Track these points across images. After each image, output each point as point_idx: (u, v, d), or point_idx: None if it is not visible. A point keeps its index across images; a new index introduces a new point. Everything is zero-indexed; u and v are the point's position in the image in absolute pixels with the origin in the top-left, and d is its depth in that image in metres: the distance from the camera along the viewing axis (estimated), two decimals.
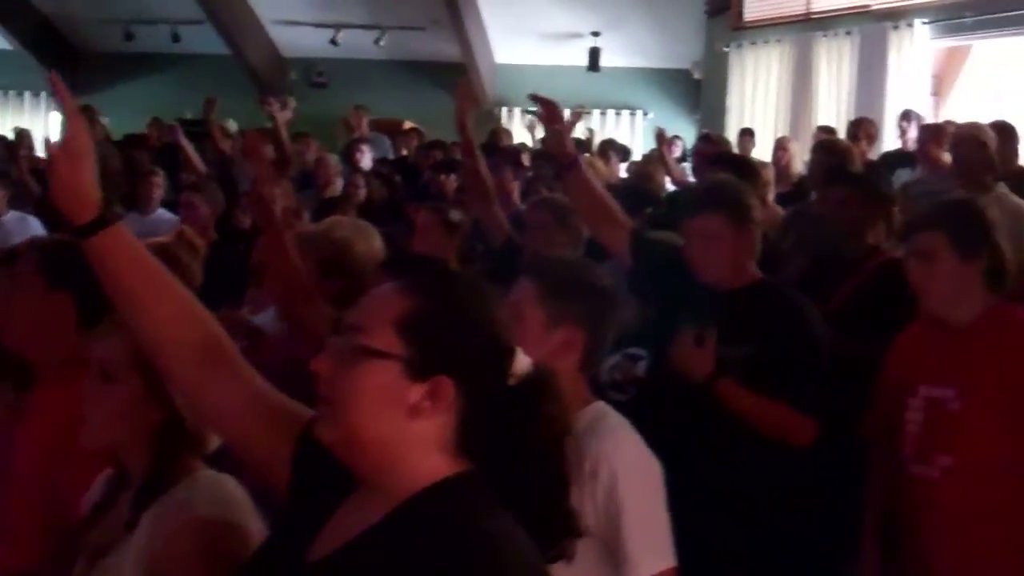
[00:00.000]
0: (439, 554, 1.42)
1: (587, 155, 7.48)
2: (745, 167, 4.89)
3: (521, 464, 1.52)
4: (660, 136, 8.33)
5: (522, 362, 1.56)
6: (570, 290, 2.32)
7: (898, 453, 2.92)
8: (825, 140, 7.38)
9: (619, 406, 2.54)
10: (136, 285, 1.78)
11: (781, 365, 3.06)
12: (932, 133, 6.73)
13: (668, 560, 2.23)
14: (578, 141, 9.20)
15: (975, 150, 5.27)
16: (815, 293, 4.25)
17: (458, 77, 5.03)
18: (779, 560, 3.14)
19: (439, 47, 14.19)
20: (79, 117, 1.79)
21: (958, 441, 2.80)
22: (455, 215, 4.51)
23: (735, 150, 9.73)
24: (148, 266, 1.81)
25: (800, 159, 7.91)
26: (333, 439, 1.53)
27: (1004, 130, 5.99)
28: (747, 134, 10.24)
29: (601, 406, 2.35)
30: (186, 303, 1.83)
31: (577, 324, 2.29)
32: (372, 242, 3.65)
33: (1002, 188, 5.21)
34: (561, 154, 3.52)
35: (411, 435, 1.50)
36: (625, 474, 2.19)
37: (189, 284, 3.62)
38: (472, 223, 4.75)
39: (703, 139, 7.71)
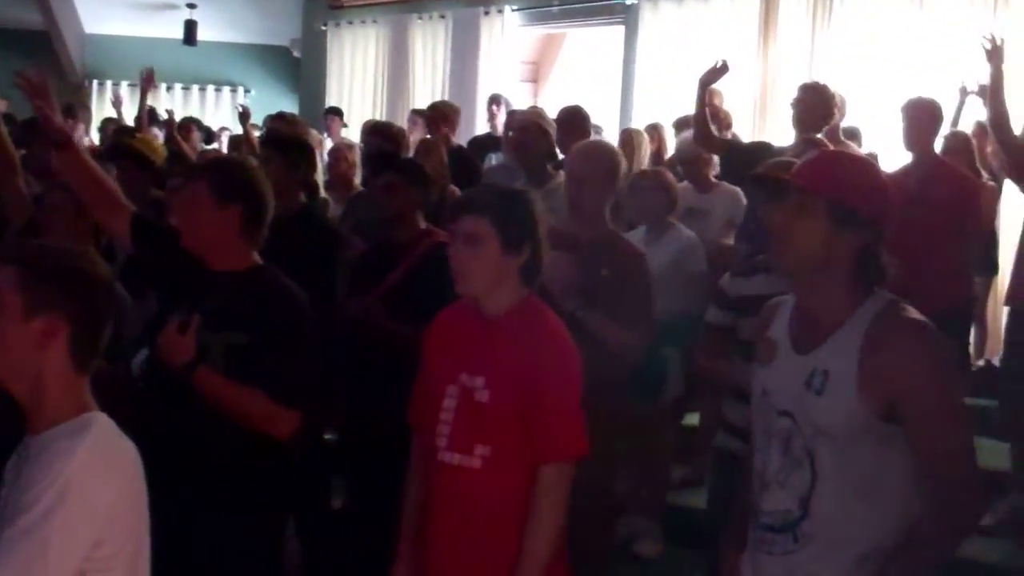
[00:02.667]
0: None
1: (140, 134, 7.13)
2: (288, 145, 4.74)
3: None
4: (244, 115, 8.09)
5: None
6: (49, 275, 2.12)
7: (431, 440, 2.91)
8: (377, 123, 7.44)
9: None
10: None
11: (266, 353, 2.99)
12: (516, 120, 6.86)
13: None
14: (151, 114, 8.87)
15: (536, 136, 5.42)
16: (371, 276, 4.29)
17: (42, 46, 4.63)
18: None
19: (20, 14, 13.19)
20: None
21: (488, 431, 2.82)
22: None
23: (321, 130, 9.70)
24: None
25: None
26: None
27: (571, 117, 6.12)
28: (333, 113, 10.19)
29: (89, 419, 2.11)
30: None
31: (58, 311, 2.10)
32: None
33: (561, 177, 5.34)
34: (51, 131, 3.27)
35: None
36: (48, 487, 1.94)
37: None
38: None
39: (276, 118, 7.46)
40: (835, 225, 2.36)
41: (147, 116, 8.04)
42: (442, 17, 11.57)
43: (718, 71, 5.84)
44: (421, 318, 3.83)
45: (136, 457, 2.13)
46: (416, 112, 9.58)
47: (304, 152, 4.69)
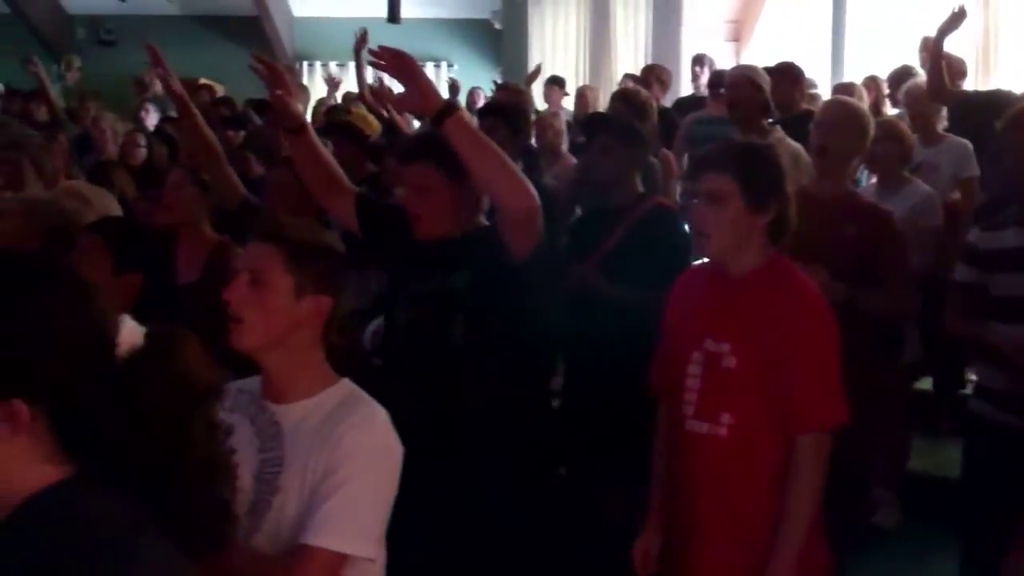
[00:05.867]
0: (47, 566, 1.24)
1: (356, 110, 7.24)
2: (513, 115, 4.74)
3: (144, 446, 1.35)
4: (453, 87, 8.15)
5: (130, 336, 1.39)
6: (317, 255, 2.19)
7: (677, 409, 2.81)
8: (624, 89, 7.33)
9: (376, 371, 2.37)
10: None
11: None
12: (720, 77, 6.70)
13: (352, 546, 2.02)
14: (372, 90, 8.99)
15: (749, 92, 5.24)
16: (588, 241, 4.21)
17: (253, 31, 4.73)
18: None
19: (232, 1, 13.66)
20: None
21: (735, 399, 2.70)
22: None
23: (539, 99, 9.67)
24: None
25: (602, 106, 7.85)
26: None
27: (786, 72, 5.96)
28: (555, 83, 10.09)
29: (349, 386, 2.20)
30: None
31: (326, 291, 2.18)
32: (108, 210, 3.43)
33: (779, 132, 5.20)
34: (287, 119, 3.30)
35: (2, 455, 1.32)
36: (356, 457, 2.04)
37: None
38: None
39: (500, 88, 7.56)
40: None
41: (364, 86, 8.14)
42: None
43: (957, 18, 5.54)
44: (641, 282, 3.75)
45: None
46: (628, 77, 9.47)
47: (527, 120, 4.68)
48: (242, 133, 7.89)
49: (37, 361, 1.31)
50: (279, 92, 3.20)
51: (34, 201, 3.38)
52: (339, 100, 10.13)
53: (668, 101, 8.47)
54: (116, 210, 3.47)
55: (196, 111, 4.09)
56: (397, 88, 3.09)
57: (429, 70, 14.59)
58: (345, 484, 2.01)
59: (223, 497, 1.45)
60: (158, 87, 10.78)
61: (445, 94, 9.82)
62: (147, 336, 1.41)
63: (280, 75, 3.26)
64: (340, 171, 3.39)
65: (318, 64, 14.24)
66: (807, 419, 2.65)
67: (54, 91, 8.98)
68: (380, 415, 2.14)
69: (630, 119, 4.67)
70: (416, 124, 8.91)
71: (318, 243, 2.22)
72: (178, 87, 3.90)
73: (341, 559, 2.00)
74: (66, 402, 1.33)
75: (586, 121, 4.98)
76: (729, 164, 2.71)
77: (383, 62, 2.91)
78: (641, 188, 4.20)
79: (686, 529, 2.81)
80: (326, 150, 3.39)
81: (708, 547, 2.76)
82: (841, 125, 3.85)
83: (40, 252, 1.53)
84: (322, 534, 1.98)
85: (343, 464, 2.02)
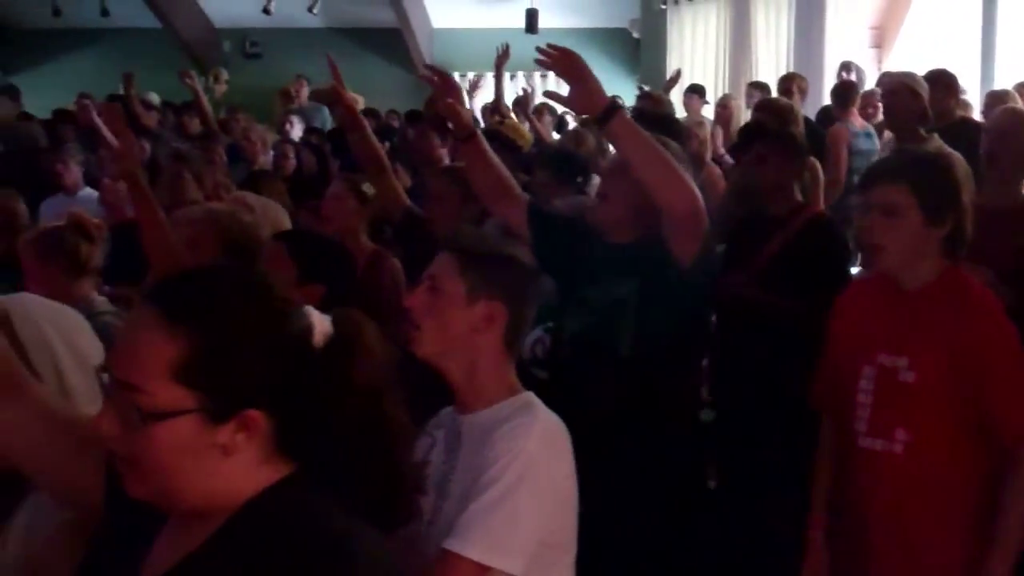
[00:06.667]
0: (275, 567, 1.29)
1: (509, 120, 7.30)
2: (672, 125, 4.74)
3: (349, 425, 1.41)
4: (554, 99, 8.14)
5: (320, 325, 1.43)
6: (491, 262, 2.20)
7: (848, 424, 2.75)
8: (766, 100, 7.26)
9: (542, 383, 2.38)
10: None
11: None
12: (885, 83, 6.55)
13: (493, 558, 1.96)
14: (516, 100, 9.06)
15: (907, 100, 5.13)
16: (745, 250, 4.17)
17: (394, 43, 4.84)
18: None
19: (374, 13, 13.92)
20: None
21: (913, 414, 2.64)
22: (368, 187, 4.34)
23: (679, 108, 9.61)
24: None
25: (743, 116, 7.80)
26: (145, 495, 1.37)
27: (941, 80, 5.83)
28: (695, 91, 10.01)
29: (528, 397, 2.18)
30: None
31: (499, 297, 2.17)
32: (278, 224, 3.54)
33: (937, 141, 5.08)
34: (458, 127, 3.35)
35: (228, 467, 1.36)
36: (503, 462, 2.01)
37: (85, 267, 3.52)
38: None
39: (643, 97, 7.55)
40: None
41: (501, 97, 8.22)
42: None
43: None
44: (800, 293, 3.70)
45: (568, 435, 2.15)
46: (753, 85, 9.36)
47: (680, 128, 4.68)
48: (387, 144, 8.04)
49: (263, 372, 1.35)
50: (450, 101, 3.26)
51: (216, 211, 3.50)
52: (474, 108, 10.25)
53: (810, 110, 8.37)
54: (285, 220, 3.58)
55: (365, 123, 4.19)
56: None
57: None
58: (490, 487, 1.98)
59: (413, 468, 1.48)
60: (303, 98, 11.10)
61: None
62: (335, 322, 1.44)
63: (452, 84, 3.32)
64: (511, 178, 3.42)
65: (456, 74, 14.38)
66: (1014, 426, 2.59)
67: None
68: (540, 424, 2.10)
69: (788, 128, 4.62)
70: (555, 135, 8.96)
71: (492, 250, 2.24)
72: (349, 100, 4.00)
73: (482, 570, 1.95)
74: (287, 403, 1.37)
75: (741, 131, 4.93)
76: (904, 175, 2.65)
77: (550, 60, 2.94)
78: (799, 197, 4.15)
79: (853, 553, 2.76)
80: (496, 158, 3.43)
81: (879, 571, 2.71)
82: (1013, 133, 3.75)
83: (244, 265, 1.58)
84: (464, 541, 1.95)
85: (490, 467, 2.00)
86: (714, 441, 4.53)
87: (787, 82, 8.05)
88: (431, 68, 3.40)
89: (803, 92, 7.97)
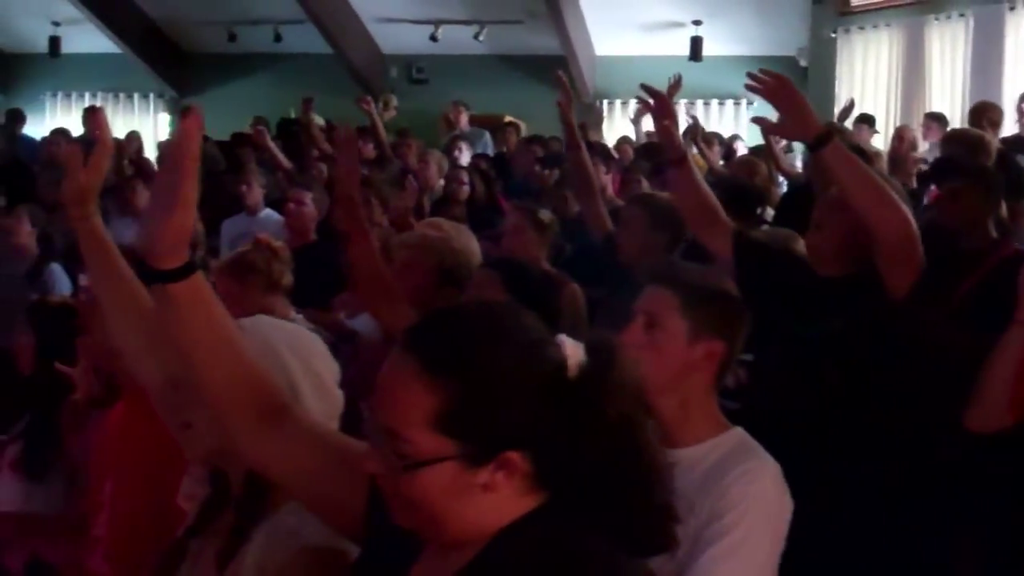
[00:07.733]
0: None
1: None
2: (859, 155, 4.66)
3: (606, 456, 1.41)
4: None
5: (574, 356, 1.42)
6: (713, 301, 2.21)
7: None
8: (957, 131, 7.02)
9: (732, 415, 2.38)
10: (201, 339, 1.62)
11: None
12: None
13: None
14: (686, 129, 9.04)
15: None
16: (937, 288, 4.07)
17: (558, 70, 4.90)
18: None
19: (538, 40, 14.04)
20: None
21: None
22: (544, 214, 4.42)
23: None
24: (217, 320, 1.64)
25: (919, 147, 7.62)
26: (410, 526, 1.43)
27: None
28: (864, 121, 9.82)
29: (741, 435, 2.19)
30: (242, 361, 1.68)
31: (719, 336, 2.18)
32: (474, 248, 3.63)
33: None
34: (671, 149, 3.36)
35: (488, 501, 1.40)
36: (742, 508, 2.02)
37: (278, 284, 3.65)
38: (560, 222, 4.68)
39: None
40: None
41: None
42: (962, 16, 10.97)
43: None
44: (997, 332, 3.60)
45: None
46: (930, 116, 9.14)
47: (868, 157, 4.60)
48: (556, 172, 8.08)
49: (522, 416, 1.38)
50: (667, 123, 3.28)
51: (431, 238, 3.60)
52: (643, 136, 10.26)
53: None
54: (476, 246, 3.66)
55: (583, 143, 4.26)
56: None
57: (728, 108, 14.53)
58: (730, 532, 1.99)
59: (668, 497, 1.47)
60: (463, 123, 11.27)
61: (750, 132, 9.74)
62: (590, 349, 1.44)
63: (668, 106, 3.34)
64: (718, 204, 3.41)
65: (618, 102, 14.43)
66: None
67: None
68: (771, 468, 2.10)
69: (981, 161, 4.51)
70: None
71: (713, 287, 2.24)
72: (571, 120, 4.11)
73: None
74: (544, 440, 1.40)
75: (932, 165, 4.83)
76: None
77: (762, 87, 2.94)
78: (994, 233, 4.04)
79: None
80: (705, 184, 3.44)
81: None
82: None
83: (495, 303, 1.60)
84: None
85: (729, 512, 2.00)
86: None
87: (978, 113, 7.77)
88: (646, 88, 3.42)
89: (994, 125, 7.71)
